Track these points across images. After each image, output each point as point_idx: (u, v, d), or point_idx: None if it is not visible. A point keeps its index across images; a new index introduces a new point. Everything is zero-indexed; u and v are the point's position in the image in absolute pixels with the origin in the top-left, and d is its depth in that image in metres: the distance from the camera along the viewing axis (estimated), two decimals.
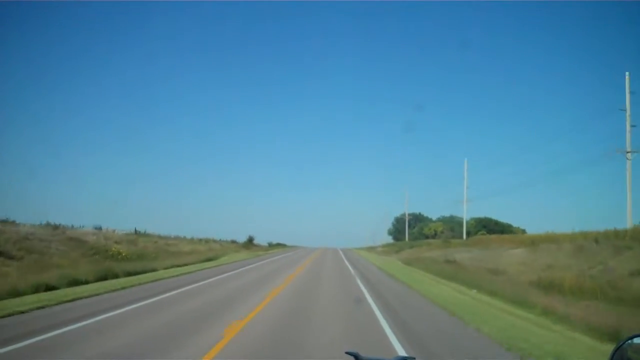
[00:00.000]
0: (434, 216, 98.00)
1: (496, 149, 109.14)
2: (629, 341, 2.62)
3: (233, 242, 65.05)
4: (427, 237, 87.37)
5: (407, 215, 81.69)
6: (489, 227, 71.95)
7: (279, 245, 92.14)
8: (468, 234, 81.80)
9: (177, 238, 41.78)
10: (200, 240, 49.83)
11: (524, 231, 70.71)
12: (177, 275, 20.61)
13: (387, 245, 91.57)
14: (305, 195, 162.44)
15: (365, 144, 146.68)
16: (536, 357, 7.43)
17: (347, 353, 2.79)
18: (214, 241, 53.31)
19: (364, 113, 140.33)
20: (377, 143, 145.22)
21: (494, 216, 76.76)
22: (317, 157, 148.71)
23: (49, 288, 13.90)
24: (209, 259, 29.10)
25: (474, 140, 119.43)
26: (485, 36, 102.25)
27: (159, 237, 36.18)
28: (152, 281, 17.77)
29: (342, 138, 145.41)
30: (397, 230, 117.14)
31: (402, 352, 7.29)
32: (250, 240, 71.05)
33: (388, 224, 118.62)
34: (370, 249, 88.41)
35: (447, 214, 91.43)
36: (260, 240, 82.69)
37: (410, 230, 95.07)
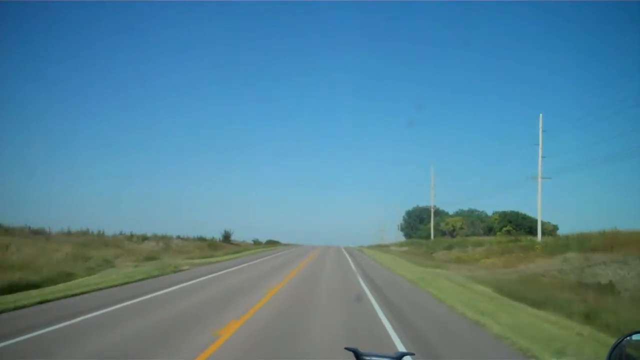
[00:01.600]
0: (449, 210, 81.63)
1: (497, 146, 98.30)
2: (628, 338, 2.46)
3: (200, 239, 47.34)
4: (444, 233, 72.22)
5: (432, 207, 63.29)
6: (515, 222, 57.66)
7: (270, 243, 75.10)
8: (490, 230, 65.28)
9: (54, 234, 24.37)
10: (132, 236, 32.23)
11: (555, 227, 58.13)
12: None
13: (403, 243, 74.39)
14: (304, 190, 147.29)
15: (367, 138, 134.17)
16: None
17: (346, 349, 2.62)
18: (159, 238, 35.58)
19: (366, 109, 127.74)
20: (380, 138, 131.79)
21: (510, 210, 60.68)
22: (319, 151, 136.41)
23: None
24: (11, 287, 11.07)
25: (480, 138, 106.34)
26: (485, 36, 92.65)
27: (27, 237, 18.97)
28: None
29: (344, 132, 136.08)
30: (410, 225, 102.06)
31: None
32: (227, 236, 53.69)
33: (397, 218, 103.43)
34: (383, 248, 70.60)
35: (464, 207, 77.69)
36: (249, 236, 67.15)
37: (423, 226, 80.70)
